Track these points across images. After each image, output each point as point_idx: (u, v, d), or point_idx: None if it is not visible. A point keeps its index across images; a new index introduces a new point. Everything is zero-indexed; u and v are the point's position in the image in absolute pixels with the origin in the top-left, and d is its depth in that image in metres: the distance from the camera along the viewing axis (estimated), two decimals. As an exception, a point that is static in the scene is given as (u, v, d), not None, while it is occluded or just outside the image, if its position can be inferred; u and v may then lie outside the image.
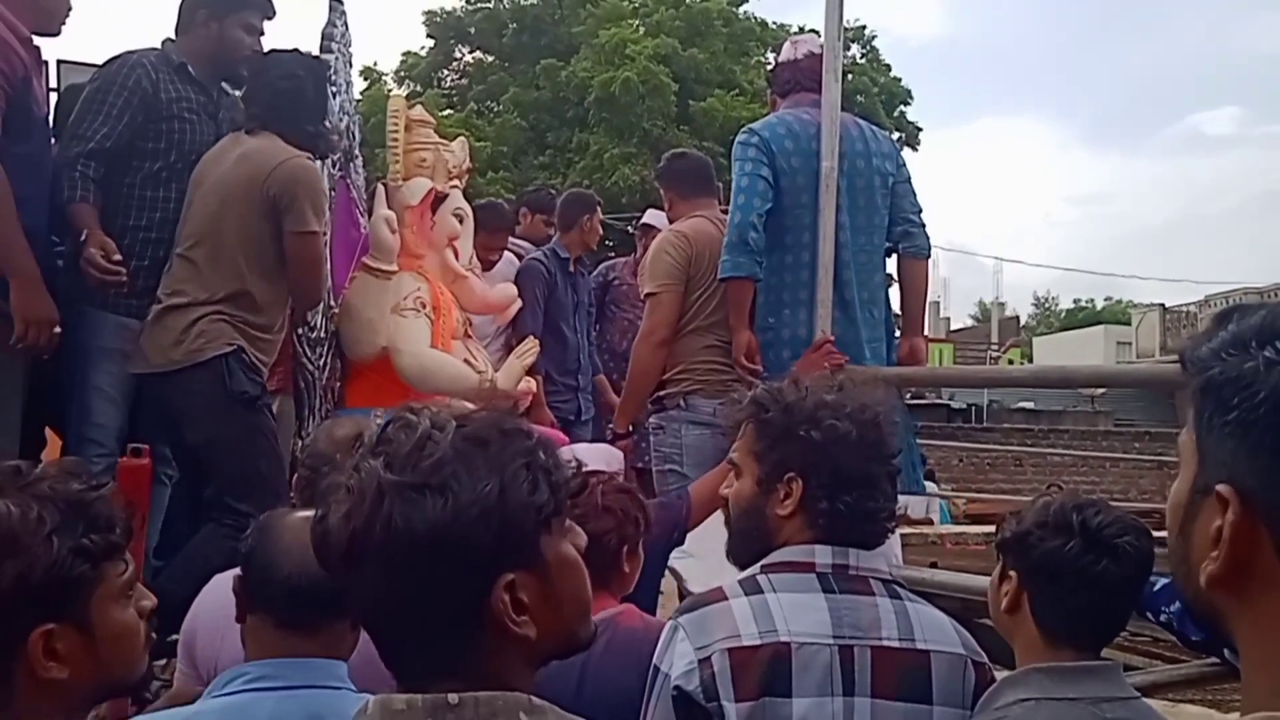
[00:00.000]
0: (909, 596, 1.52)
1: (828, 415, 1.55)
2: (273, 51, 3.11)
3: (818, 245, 3.06)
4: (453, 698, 0.91)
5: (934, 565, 5.21)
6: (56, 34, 2.97)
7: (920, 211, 3.34)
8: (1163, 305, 23.74)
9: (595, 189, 14.71)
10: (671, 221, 3.64)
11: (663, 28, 19.39)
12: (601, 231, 5.09)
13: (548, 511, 0.96)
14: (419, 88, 21.22)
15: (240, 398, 2.74)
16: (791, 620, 1.46)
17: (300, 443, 3.35)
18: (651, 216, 5.23)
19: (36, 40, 2.86)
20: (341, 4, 3.74)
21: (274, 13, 3.23)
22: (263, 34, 3.21)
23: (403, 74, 22.32)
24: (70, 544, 1.14)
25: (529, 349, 3.84)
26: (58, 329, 2.70)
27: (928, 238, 3.34)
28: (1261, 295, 19.36)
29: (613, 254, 5.78)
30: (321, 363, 3.40)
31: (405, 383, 3.53)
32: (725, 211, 3.80)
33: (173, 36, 3.14)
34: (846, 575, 1.51)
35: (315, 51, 3.57)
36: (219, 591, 1.76)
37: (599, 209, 5.02)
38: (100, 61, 3.13)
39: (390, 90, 20.75)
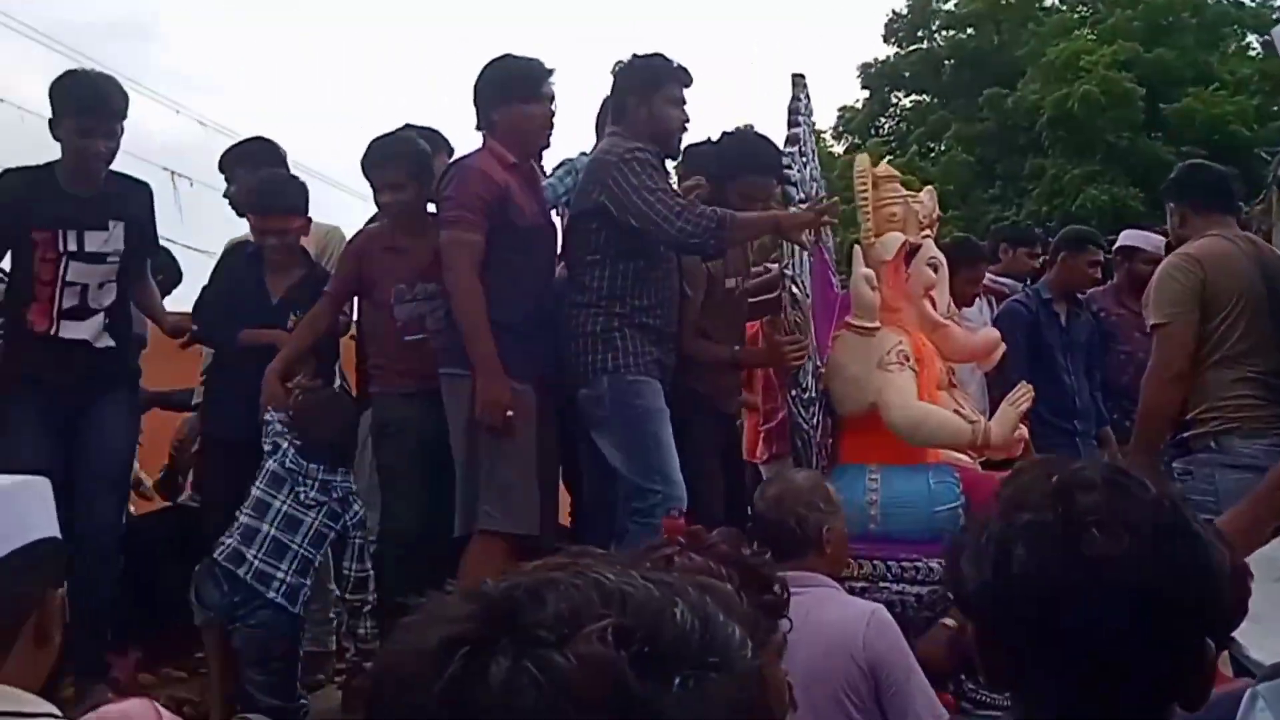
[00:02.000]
0: None
1: None
2: None
3: None
4: None
5: None
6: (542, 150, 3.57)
7: None
8: None
9: (1056, 216, 13.81)
10: (1178, 241, 3.31)
11: (1119, 32, 17.88)
12: (1089, 271, 4.76)
13: None
14: (857, 139, 21.50)
15: None
16: None
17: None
18: (1130, 238, 4.81)
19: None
20: (804, 79, 3.92)
21: (691, 80, 3.51)
22: (685, 103, 3.49)
23: (840, 129, 22.76)
24: (752, 603, 1.22)
25: (1023, 395, 3.67)
26: (510, 412, 3.14)
27: None
28: None
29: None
30: (815, 422, 3.53)
31: (896, 436, 3.54)
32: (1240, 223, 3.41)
33: (615, 128, 3.46)
34: None
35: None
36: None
37: (1089, 247, 4.71)
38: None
39: (829, 147, 21.26)
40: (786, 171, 3.75)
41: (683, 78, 3.49)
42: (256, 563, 3.12)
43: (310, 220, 3.73)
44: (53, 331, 3.37)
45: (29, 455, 3.28)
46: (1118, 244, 4.69)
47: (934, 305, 3.92)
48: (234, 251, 3.85)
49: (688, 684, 0.57)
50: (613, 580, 0.59)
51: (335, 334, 3.77)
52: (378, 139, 3.60)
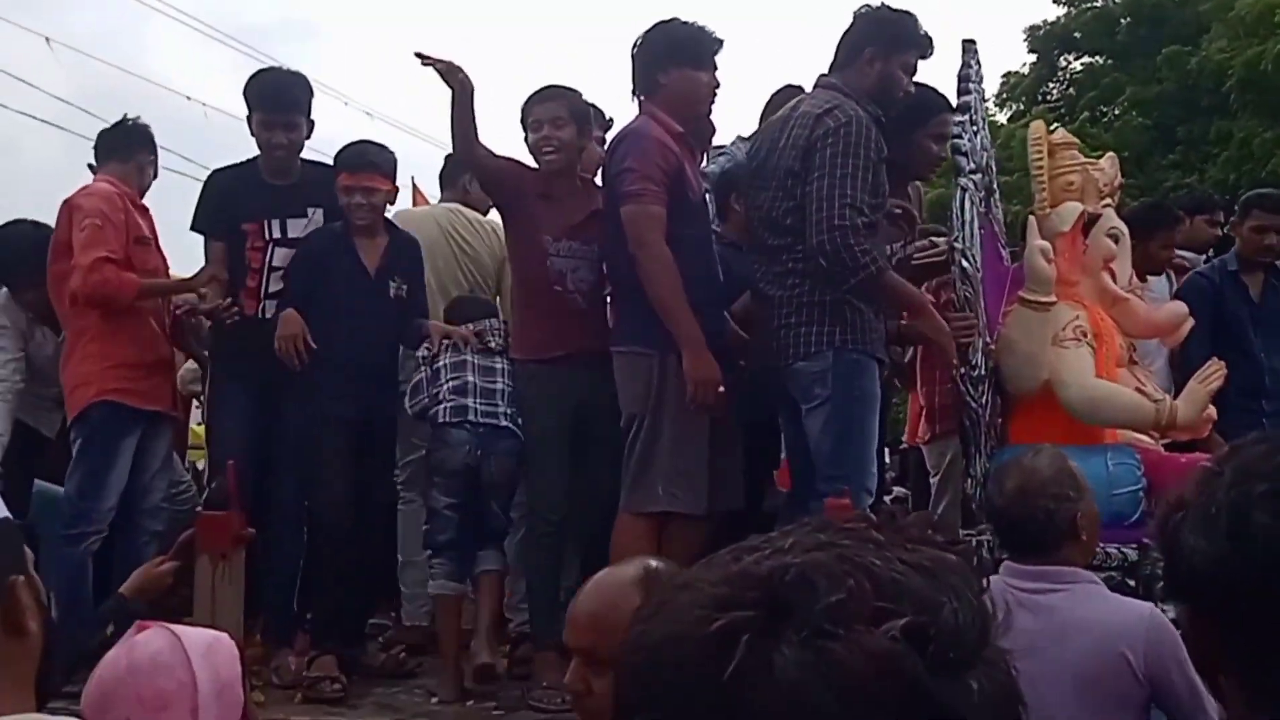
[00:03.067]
0: None
1: None
2: None
3: None
4: None
5: None
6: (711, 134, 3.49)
7: None
8: None
9: (1245, 183, 12.86)
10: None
11: (1321, -19, 16.41)
12: (1259, 239, 4.44)
13: None
14: (1023, 106, 20.55)
15: None
16: None
17: (970, 481, 3.39)
18: None
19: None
20: (974, 45, 3.77)
21: (932, 52, 3.33)
22: (914, 74, 3.32)
23: (1004, 96, 21.78)
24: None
25: (1214, 372, 3.45)
26: (721, 388, 3.05)
27: None
28: None
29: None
30: (984, 400, 3.41)
31: (1071, 416, 3.39)
32: None
33: (832, 78, 3.26)
34: None
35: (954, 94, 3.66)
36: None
37: (1253, 211, 4.49)
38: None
39: (993, 115, 20.39)
40: (956, 141, 3.63)
41: (925, 48, 3.31)
42: (480, 405, 3.41)
43: (398, 189, 3.79)
44: (260, 314, 3.60)
45: (239, 433, 3.54)
46: None
47: (1114, 278, 3.73)
48: (322, 231, 3.69)
49: (982, 683, 0.56)
50: (880, 566, 0.58)
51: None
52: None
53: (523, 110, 3.49)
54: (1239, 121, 16.17)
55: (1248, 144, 15.71)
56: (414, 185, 5.68)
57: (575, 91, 3.53)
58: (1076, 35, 20.76)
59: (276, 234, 3.64)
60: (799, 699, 0.53)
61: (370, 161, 3.57)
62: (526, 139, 3.50)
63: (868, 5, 3.30)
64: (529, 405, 3.43)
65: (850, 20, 3.29)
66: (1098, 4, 20.51)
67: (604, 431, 3.34)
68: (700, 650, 0.56)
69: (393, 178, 3.68)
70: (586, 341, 3.38)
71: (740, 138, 4.02)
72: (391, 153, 3.70)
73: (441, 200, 4.51)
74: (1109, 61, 20.19)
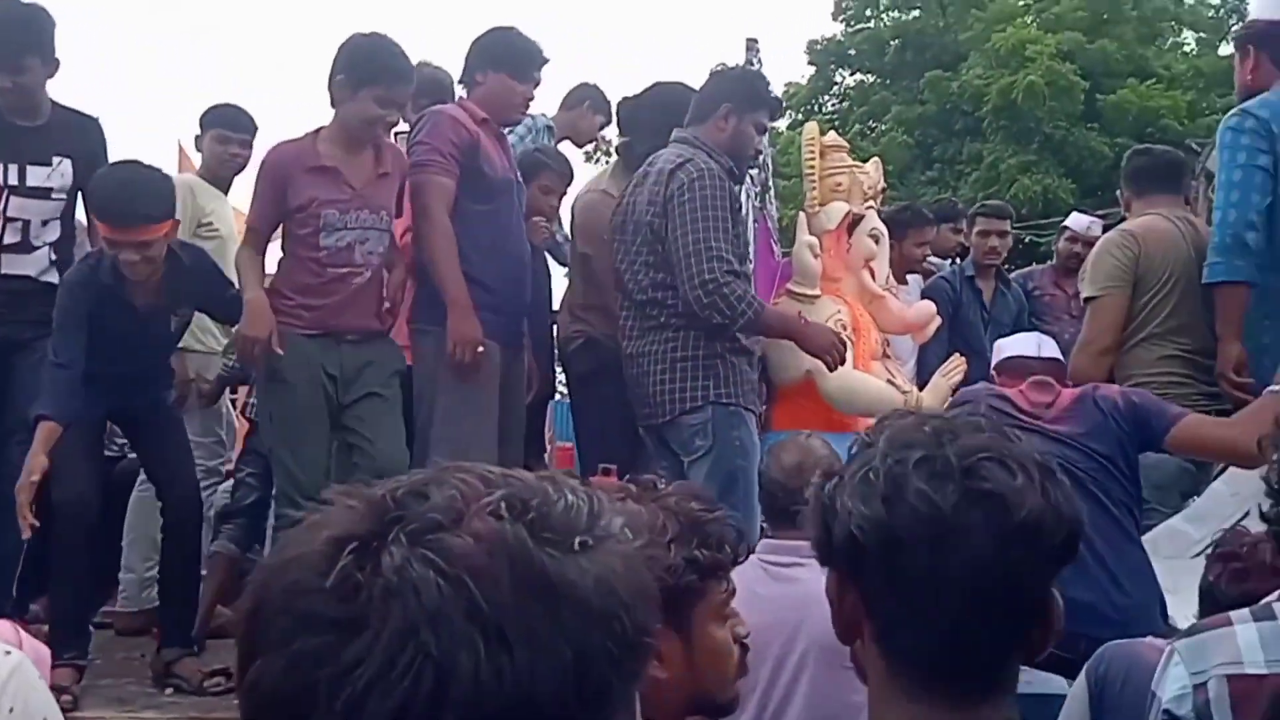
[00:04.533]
0: None
1: None
2: None
3: None
4: None
5: None
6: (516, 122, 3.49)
7: None
8: None
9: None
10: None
11: (1064, 21, 18.12)
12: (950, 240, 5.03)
13: None
14: (801, 116, 21.57)
15: None
16: None
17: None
18: (1073, 221, 4.92)
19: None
20: (757, 43, 3.90)
21: (782, 113, 3.52)
22: (765, 131, 3.46)
23: (785, 103, 22.83)
24: (684, 554, 1.24)
25: (955, 367, 3.72)
26: (480, 348, 3.04)
27: None
28: None
29: (1010, 269, 5.46)
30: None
31: (830, 405, 3.56)
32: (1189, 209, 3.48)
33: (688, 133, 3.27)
34: None
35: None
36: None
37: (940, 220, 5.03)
38: None
39: (774, 125, 21.28)
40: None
41: (775, 108, 3.49)
42: None
43: (176, 223, 3.11)
44: None
45: None
46: (1061, 225, 4.79)
47: (873, 276, 3.94)
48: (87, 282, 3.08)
49: (587, 545, 0.56)
50: (495, 473, 0.58)
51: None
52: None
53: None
54: (990, 145, 17.64)
55: (996, 166, 17.16)
56: (180, 148, 5.29)
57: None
58: (851, 53, 22.00)
59: (14, 180, 3.27)
60: (407, 591, 0.51)
61: (140, 214, 2.89)
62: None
63: (724, 64, 3.52)
64: (279, 378, 3.10)
65: (707, 77, 3.44)
66: (870, 25, 21.80)
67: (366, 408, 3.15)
68: (308, 566, 0.54)
69: (170, 216, 3.02)
70: (355, 319, 3.20)
71: (543, 114, 4.03)
72: (168, 182, 3.13)
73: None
74: (878, 80, 21.52)
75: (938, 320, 4.13)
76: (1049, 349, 2.92)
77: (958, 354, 3.86)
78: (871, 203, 3.97)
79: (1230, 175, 2.76)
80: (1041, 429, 2.50)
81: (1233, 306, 2.80)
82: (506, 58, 3.31)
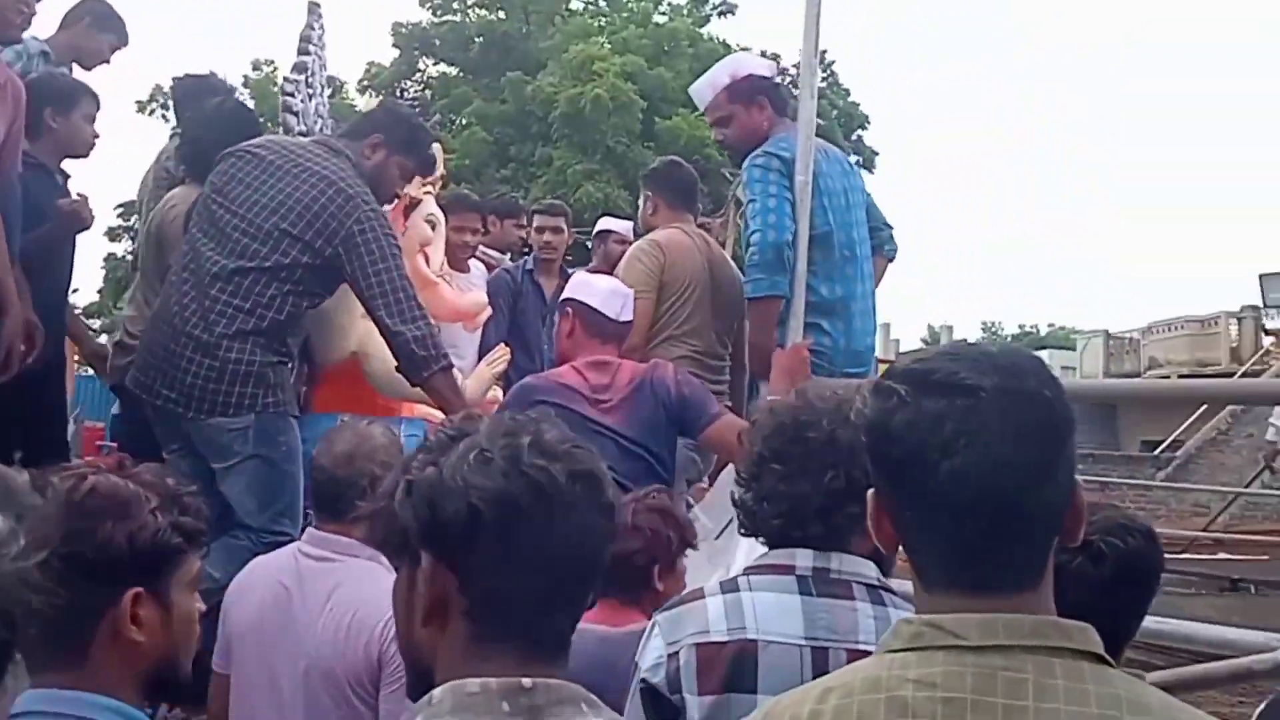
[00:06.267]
0: (896, 602, 1.53)
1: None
2: None
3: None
4: (526, 682, 0.95)
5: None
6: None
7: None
8: (1106, 332, 24.17)
9: (558, 204, 14.74)
10: (648, 229, 3.67)
11: (630, 46, 19.52)
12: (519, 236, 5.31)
13: None
14: (380, 97, 21.14)
15: None
16: (763, 619, 1.48)
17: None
18: (608, 222, 5.27)
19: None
20: (319, 7, 3.74)
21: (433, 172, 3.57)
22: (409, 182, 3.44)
23: (365, 83, 22.24)
24: (170, 519, 1.29)
25: (500, 356, 3.83)
26: None
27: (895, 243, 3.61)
28: (1202, 324, 19.84)
29: (573, 270, 5.79)
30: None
31: (374, 388, 3.51)
32: (701, 227, 3.86)
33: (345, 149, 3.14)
34: (827, 579, 1.52)
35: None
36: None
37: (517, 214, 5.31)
38: None
39: (352, 101, 20.66)
40: (289, 99, 3.55)
41: (427, 168, 3.45)
42: None
43: None
44: None
45: None
46: (596, 228, 5.10)
47: (428, 261, 3.94)
48: None
49: None
50: None
51: None
52: None
53: None
54: (559, 150, 18.51)
55: (564, 171, 18.05)
56: None
57: None
58: (436, 42, 21.97)
59: None
60: None
61: None
62: None
63: (396, 101, 3.26)
64: None
65: (379, 105, 3.24)
66: (456, 18, 21.92)
67: None
68: None
69: None
70: None
71: (34, 37, 3.51)
72: None
73: None
74: (461, 74, 21.71)
75: (489, 310, 4.23)
76: (628, 312, 3.05)
77: (503, 344, 3.98)
78: (429, 188, 3.97)
79: (766, 203, 3.14)
80: (601, 428, 2.70)
81: (769, 316, 3.18)
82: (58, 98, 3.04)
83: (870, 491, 1.06)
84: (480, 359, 4.19)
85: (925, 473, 0.97)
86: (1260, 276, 16.44)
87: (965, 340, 1.30)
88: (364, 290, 2.95)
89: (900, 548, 1.04)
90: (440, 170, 4.12)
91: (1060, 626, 0.97)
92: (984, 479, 0.95)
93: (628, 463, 2.66)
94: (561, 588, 1.01)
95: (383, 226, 3.01)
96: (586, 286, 3.08)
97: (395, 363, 3.49)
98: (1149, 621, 2.32)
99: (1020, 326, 50.20)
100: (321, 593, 2.07)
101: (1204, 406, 13.88)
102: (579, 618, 1.05)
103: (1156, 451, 15.50)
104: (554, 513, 0.98)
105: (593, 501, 1.00)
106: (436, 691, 0.95)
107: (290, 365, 3.13)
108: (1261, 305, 18.11)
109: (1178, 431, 15.03)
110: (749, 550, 1.85)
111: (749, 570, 1.57)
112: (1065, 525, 1.01)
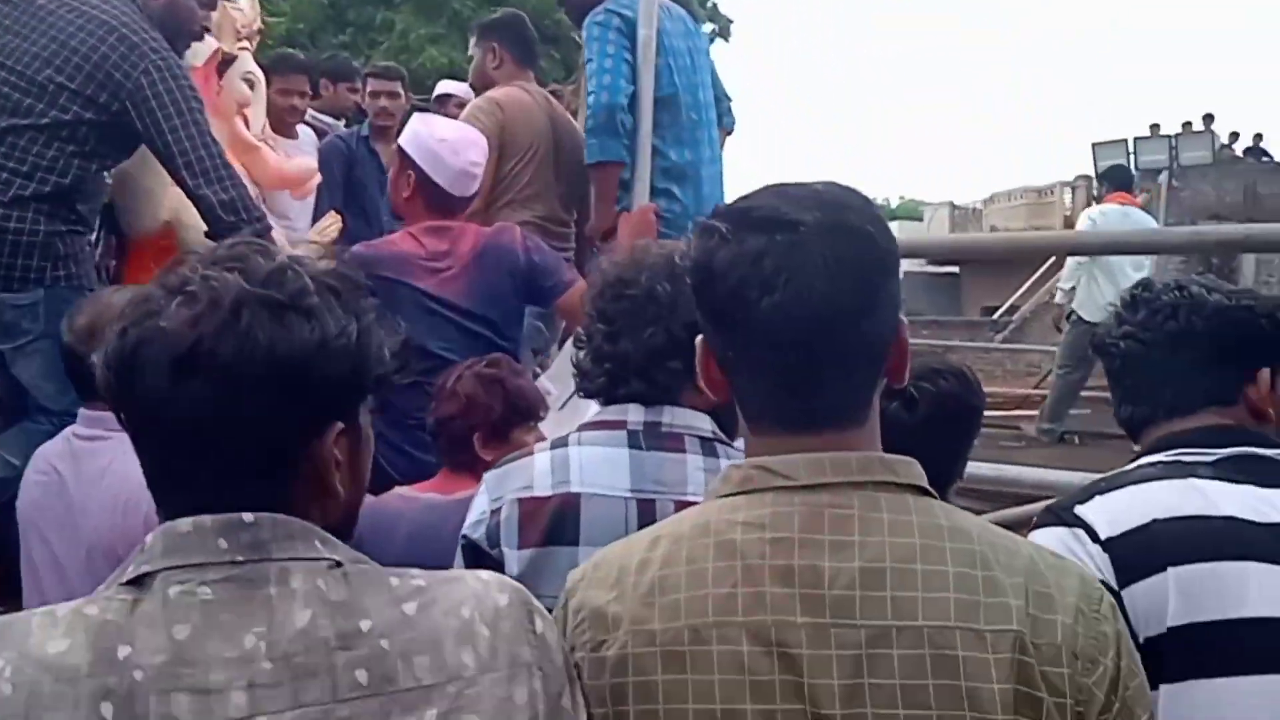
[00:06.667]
0: (729, 454, 1.50)
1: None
2: None
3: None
4: (247, 516, 0.87)
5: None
6: None
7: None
8: (951, 203, 25.04)
9: (402, 71, 14.04)
10: (485, 84, 3.47)
11: (473, -100, 18.41)
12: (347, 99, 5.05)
13: (385, 371, 0.93)
14: (204, -47, 19.49)
15: None
16: (588, 473, 1.46)
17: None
18: (447, 86, 5.02)
19: None
20: None
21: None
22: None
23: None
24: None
25: (329, 225, 3.62)
26: None
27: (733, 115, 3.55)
28: (1039, 193, 20.75)
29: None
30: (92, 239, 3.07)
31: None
32: (554, 95, 3.68)
33: None
34: (658, 432, 1.49)
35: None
36: None
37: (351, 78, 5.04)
38: None
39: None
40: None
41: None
42: None
43: None
44: None
45: None
46: (435, 92, 4.85)
47: (247, 124, 3.65)
48: None
49: None
50: None
51: None
52: None
53: None
54: (401, 15, 17.53)
55: (406, 36, 17.14)
56: None
57: None
58: (261, -109, 20.26)
59: None
60: None
61: None
62: None
63: None
64: None
65: None
66: None
67: None
68: None
69: None
70: None
71: None
72: None
73: None
74: (292, -71, 20.14)
75: (318, 177, 3.97)
76: (473, 186, 2.75)
77: (333, 211, 3.75)
78: (246, 43, 3.65)
79: (602, 63, 2.98)
80: (437, 303, 2.54)
81: (610, 183, 3.04)
82: None
83: (699, 338, 1.04)
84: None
85: (746, 309, 0.94)
86: (1093, 145, 17.12)
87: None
88: (160, 150, 2.69)
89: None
90: (259, 22, 3.78)
91: (885, 461, 0.98)
92: (804, 313, 0.94)
93: (466, 341, 2.53)
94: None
95: (177, 78, 2.71)
96: (434, 159, 2.68)
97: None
98: (979, 467, 2.42)
99: (872, 199, 51.80)
100: (95, 472, 1.94)
101: (1038, 273, 14.60)
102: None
103: (995, 316, 16.28)
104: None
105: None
106: (149, 536, 0.89)
107: (86, 235, 2.84)
108: (1093, 175, 19.02)
109: (1014, 297, 15.77)
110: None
111: (582, 427, 1.54)
112: (891, 364, 1.01)
